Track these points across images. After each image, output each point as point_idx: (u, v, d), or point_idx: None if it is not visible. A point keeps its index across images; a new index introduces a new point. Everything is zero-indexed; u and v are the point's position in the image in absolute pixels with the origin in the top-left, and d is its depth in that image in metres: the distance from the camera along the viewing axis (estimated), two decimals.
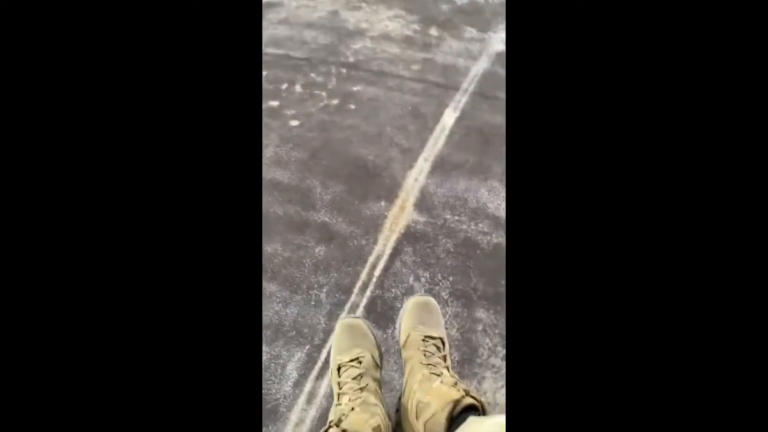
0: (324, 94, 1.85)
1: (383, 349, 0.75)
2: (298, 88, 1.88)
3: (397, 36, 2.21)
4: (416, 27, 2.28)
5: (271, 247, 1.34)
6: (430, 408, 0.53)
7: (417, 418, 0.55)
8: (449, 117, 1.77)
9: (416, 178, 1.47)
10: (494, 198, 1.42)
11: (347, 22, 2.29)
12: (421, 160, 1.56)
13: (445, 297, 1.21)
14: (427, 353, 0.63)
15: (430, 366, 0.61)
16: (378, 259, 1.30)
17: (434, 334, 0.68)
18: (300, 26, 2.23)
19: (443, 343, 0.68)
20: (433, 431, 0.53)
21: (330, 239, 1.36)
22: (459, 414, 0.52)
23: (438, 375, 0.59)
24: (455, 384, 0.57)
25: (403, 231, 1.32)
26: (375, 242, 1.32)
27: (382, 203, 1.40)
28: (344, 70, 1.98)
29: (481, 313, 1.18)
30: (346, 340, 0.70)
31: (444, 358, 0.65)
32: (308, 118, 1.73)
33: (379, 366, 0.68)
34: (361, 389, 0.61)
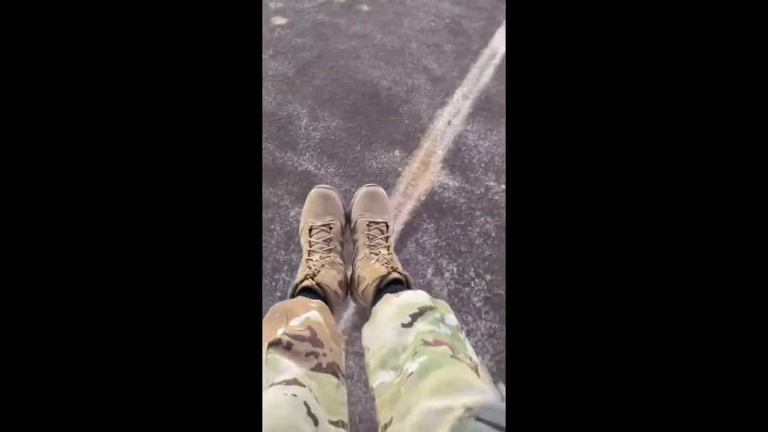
0: None
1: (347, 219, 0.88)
2: None
3: None
4: None
5: None
6: (365, 281, 0.71)
7: (357, 288, 0.74)
8: (503, 40, 1.28)
9: (449, 120, 1.05)
10: None
11: None
12: (458, 95, 1.11)
13: (478, 304, 0.82)
14: (370, 236, 0.80)
15: (371, 247, 0.78)
16: None
17: (378, 219, 0.82)
18: None
19: (387, 227, 0.82)
20: (367, 300, 0.70)
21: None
22: (386, 286, 0.68)
23: (376, 254, 0.76)
24: (387, 262, 0.74)
25: (424, 198, 0.99)
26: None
27: (397, 153, 1.06)
28: None
29: None
30: (320, 207, 0.84)
31: (386, 239, 0.81)
32: (300, 16, 1.23)
33: (344, 233, 0.84)
34: (330, 251, 0.78)
